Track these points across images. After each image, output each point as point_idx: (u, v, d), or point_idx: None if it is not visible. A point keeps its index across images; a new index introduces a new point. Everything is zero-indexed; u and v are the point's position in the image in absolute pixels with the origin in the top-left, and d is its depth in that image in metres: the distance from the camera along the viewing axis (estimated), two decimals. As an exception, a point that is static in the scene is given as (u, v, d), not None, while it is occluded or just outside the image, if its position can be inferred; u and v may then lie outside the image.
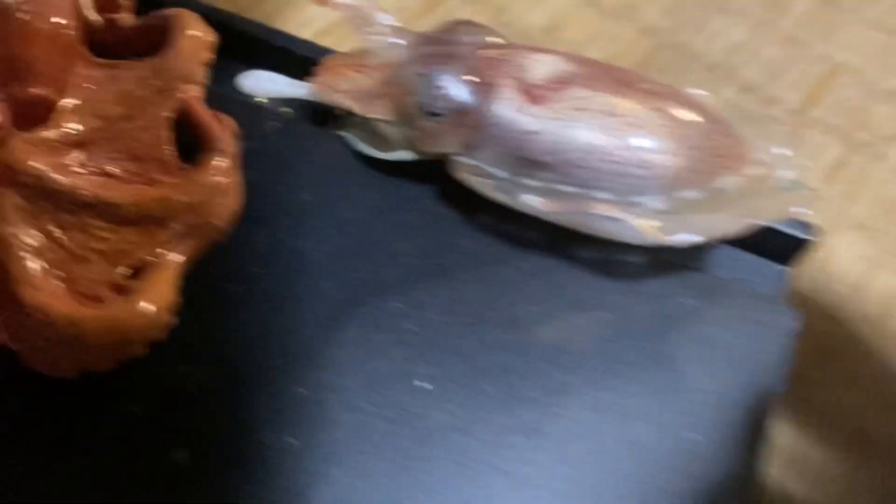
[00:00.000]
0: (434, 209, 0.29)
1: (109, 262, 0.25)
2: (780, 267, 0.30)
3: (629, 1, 0.44)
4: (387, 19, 0.29)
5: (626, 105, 0.27)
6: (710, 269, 0.30)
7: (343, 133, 0.30)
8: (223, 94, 0.30)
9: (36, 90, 0.24)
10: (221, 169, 0.27)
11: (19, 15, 0.23)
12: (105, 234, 0.26)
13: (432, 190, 0.29)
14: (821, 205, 0.36)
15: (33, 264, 0.24)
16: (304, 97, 0.30)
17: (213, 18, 0.32)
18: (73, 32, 0.25)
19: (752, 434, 0.26)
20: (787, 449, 0.31)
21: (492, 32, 0.29)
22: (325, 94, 0.29)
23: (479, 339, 0.27)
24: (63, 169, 0.26)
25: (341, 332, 0.26)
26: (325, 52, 0.32)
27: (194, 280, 0.25)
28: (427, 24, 0.40)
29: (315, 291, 0.27)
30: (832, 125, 0.41)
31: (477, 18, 0.41)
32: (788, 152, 0.28)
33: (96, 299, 0.24)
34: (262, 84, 0.30)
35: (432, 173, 0.29)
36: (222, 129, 0.28)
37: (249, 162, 0.29)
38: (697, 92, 0.30)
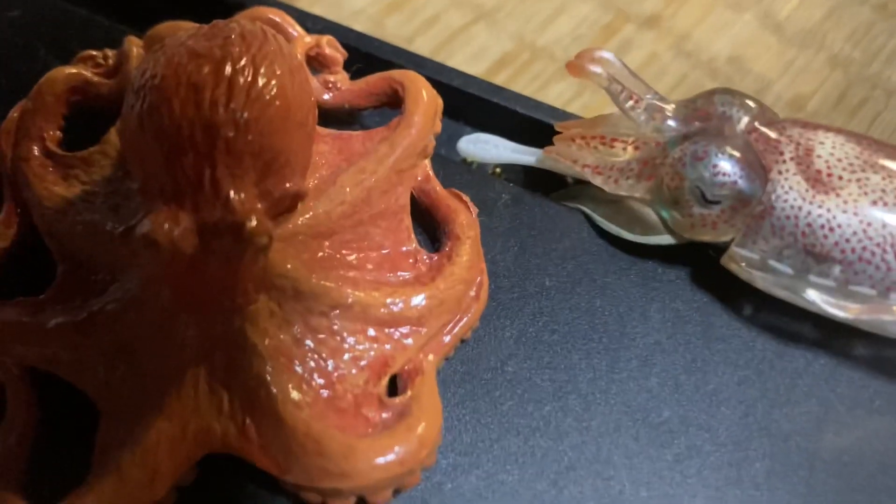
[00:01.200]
0: (693, 297, 0.26)
1: (366, 370, 0.23)
2: None
3: (813, 28, 0.41)
4: (649, 90, 0.25)
5: None
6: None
7: (583, 208, 0.27)
8: (439, 156, 0.27)
9: (293, 185, 0.21)
10: (474, 260, 0.25)
11: (278, 103, 0.20)
12: (359, 339, 0.23)
13: (690, 274, 0.26)
14: None
15: (296, 388, 0.21)
16: (533, 165, 0.27)
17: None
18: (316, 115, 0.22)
19: None
20: None
21: (754, 101, 0.26)
22: (562, 165, 0.26)
23: (744, 446, 0.24)
24: (316, 267, 0.23)
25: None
26: (555, 113, 0.29)
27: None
28: (608, 48, 0.37)
29: (562, 385, 0.24)
30: None
31: (658, 46, 0.38)
32: None
33: (361, 418, 0.22)
34: (487, 149, 0.28)
35: (689, 255, 0.26)
36: (467, 213, 0.25)
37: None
38: None
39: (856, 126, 0.38)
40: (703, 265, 0.26)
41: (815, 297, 0.24)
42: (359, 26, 0.38)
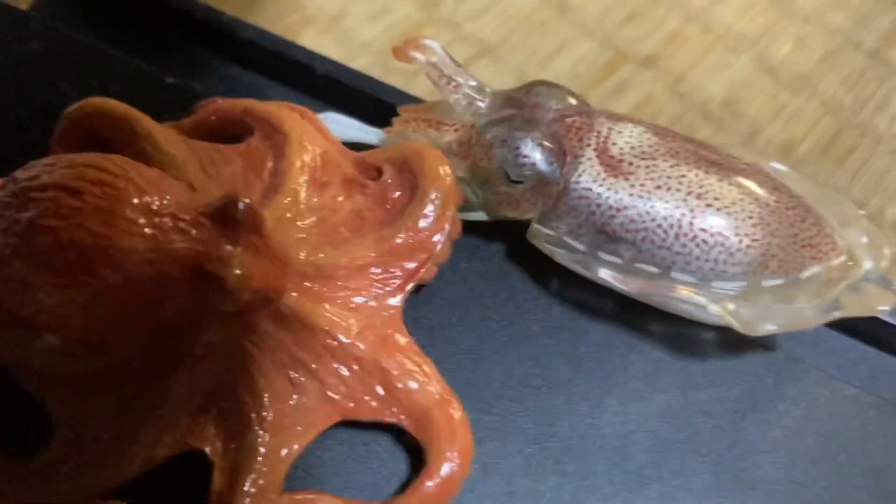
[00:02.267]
0: (505, 269, 0.28)
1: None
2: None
3: (807, 72, 0.42)
4: (469, 78, 0.27)
5: (713, 185, 0.26)
6: (788, 347, 0.29)
7: None
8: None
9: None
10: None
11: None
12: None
13: (504, 249, 0.28)
14: None
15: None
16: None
17: (289, 56, 0.33)
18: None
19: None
20: None
21: (572, 95, 0.28)
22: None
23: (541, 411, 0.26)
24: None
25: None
26: (404, 97, 0.31)
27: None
28: (602, 91, 0.38)
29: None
30: None
31: (654, 87, 0.39)
32: (874, 241, 0.27)
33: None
34: (334, 126, 0.29)
35: (505, 232, 0.28)
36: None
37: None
38: (781, 168, 0.29)
39: (843, 174, 0.39)
40: (512, 238, 0.28)
41: (605, 274, 0.27)
42: (366, 59, 0.39)
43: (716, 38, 0.43)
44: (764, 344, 0.28)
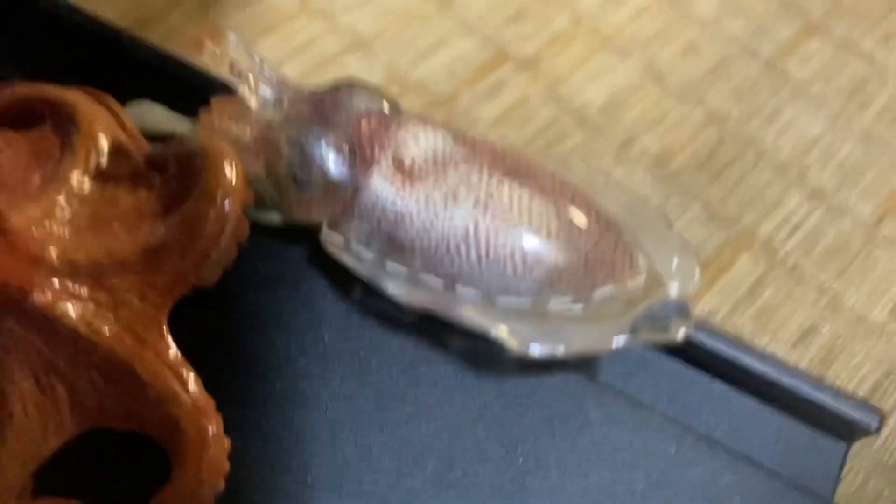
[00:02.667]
0: (303, 275, 0.27)
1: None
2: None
3: (698, 78, 0.41)
4: (271, 74, 0.26)
5: (503, 196, 0.25)
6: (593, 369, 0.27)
7: None
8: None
9: None
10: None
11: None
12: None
13: (305, 253, 0.27)
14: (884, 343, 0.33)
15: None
16: (185, 134, 0.28)
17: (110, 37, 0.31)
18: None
19: None
20: None
21: (380, 97, 0.27)
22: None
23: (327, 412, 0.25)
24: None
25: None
26: (223, 88, 0.29)
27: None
28: (476, 92, 0.37)
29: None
30: (905, 246, 0.38)
31: (531, 89, 0.38)
32: (685, 264, 0.26)
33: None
34: (144, 115, 0.28)
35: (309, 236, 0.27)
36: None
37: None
38: (608, 176, 0.28)
39: (718, 187, 0.38)
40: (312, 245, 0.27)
41: (392, 286, 0.25)
42: (230, 46, 0.38)
43: (603, 40, 0.41)
44: (566, 364, 0.26)
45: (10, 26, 0.32)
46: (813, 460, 0.27)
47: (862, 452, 0.32)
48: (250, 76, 0.26)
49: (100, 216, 0.25)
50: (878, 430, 0.27)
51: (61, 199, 0.25)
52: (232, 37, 0.26)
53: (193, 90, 0.30)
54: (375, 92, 0.27)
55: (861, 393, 0.33)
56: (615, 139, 0.38)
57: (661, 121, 0.39)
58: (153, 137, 0.28)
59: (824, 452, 0.27)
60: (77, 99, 0.27)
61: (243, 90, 0.26)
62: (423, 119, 0.27)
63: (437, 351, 0.26)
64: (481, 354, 0.26)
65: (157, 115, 0.28)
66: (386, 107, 0.27)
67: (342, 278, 0.27)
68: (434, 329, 0.26)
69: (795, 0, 0.44)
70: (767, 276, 0.35)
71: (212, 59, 0.26)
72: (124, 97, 0.28)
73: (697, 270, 0.26)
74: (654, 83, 0.40)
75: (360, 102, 0.26)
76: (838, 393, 0.26)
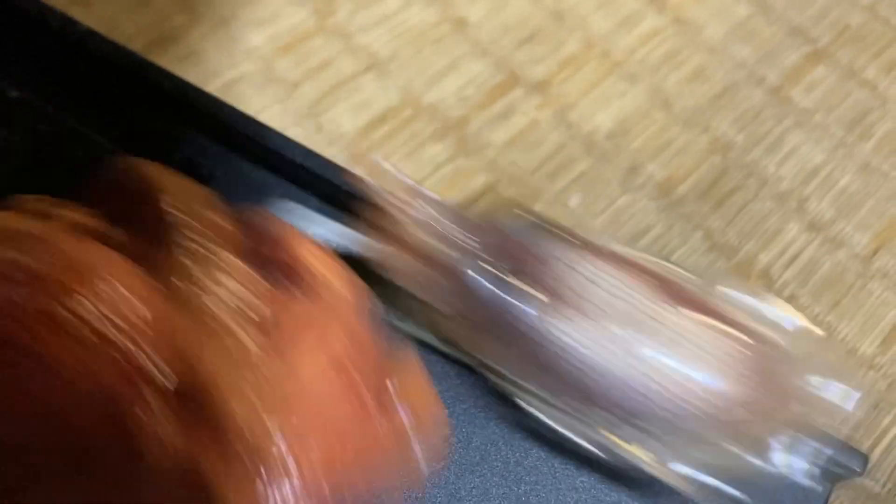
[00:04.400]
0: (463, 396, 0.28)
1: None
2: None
3: (704, 105, 0.42)
4: (427, 196, 0.27)
5: (681, 327, 0.25)
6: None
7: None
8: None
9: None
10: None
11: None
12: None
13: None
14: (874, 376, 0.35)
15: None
16: (354, 250, 0.29)
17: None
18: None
19: None
20: None
21: (541, 222, 0.28)
22: (387, 260, 0.28)
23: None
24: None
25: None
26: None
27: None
28: (486, 116, 0.38)
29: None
30: (898, 279, 0.39)
31: (540, 114, 0.39)
32: (848, 391, 0.27)
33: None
34: (340, 239, 0.29)
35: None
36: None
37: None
38: (766, 308, 0.28)
39: (720, 216, 0.39)
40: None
41: (528, 403, 0.26)
42: (250, 66, 0.39)
43: (613, 64, 0.42)
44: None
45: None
46: (798, 499, 0.29)
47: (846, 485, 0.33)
48: (401, 197, 0.27)
49: None
50: (862, 473, 0.28)
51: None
52: (389, 167, 0.27)
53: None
54: (535, 216, 0.27)
55: (850, 423, 0.35)
56: (621, 166, 0.39)
57: (666, 147, 0.40)
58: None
59: (809, 494, 0.28)
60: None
61: (401, 218, 0.27)
62: (586, 241, 0.27)
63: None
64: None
65: (346, 239, 0.29)
66: (545, 235, 0.27)
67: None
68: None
69: (803, 27, 0.44)
70: (764, 308, 0.36)
71: (371, 189, 0.27)
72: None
73: (856, 397, 0.26)
74: (661, 109, 0.41)
75: (524, 231, 0.27)
76: (823, 436, 0.28)
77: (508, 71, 0.41)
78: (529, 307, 0.26)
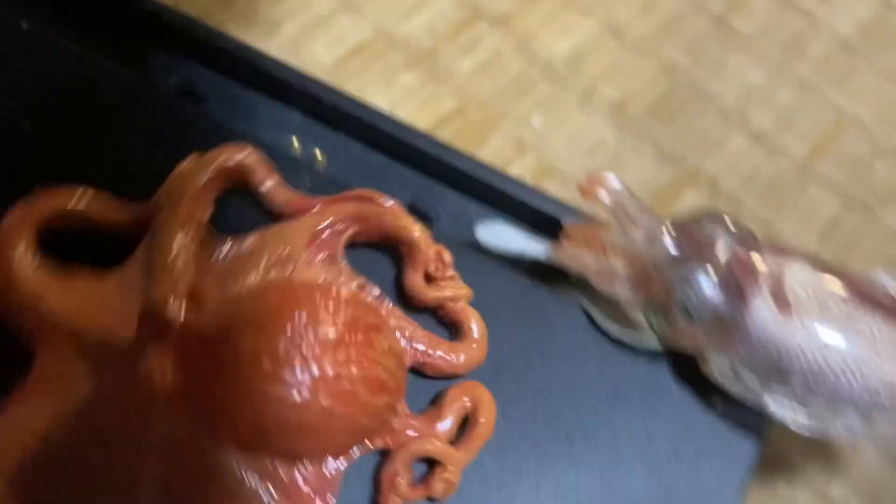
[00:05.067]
0: (672, 393, 0.30)
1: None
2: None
3: (653, 34, 0.45)
4: (645, 211, 0.29)
5: (882, 326, 0.28)
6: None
7: (585, 304, 0.31)
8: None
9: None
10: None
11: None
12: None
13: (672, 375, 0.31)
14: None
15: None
16: (542, 258, 0.31)
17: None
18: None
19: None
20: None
21: (738, 226, 0.30)
22: (572, 263, 0.30)
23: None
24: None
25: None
26: (562, 208, 0.33)
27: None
28: (453, 48, 0.41)
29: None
30: (833, 181, 0.43)
31: (504, 45, 0.42)
32: None
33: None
34: (501, 238, 0.31)
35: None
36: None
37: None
38: None
39: (669, 131, 0.43)
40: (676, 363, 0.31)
41: (774, 405, 0.29)
42: (235, 9, 0.42)
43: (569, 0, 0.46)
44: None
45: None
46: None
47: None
48: (635, 217, 0.29)
49: None
50: None
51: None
52: (616, 181, 0.29)
53: (537, 215, 0.33)
54: (733, 221, 0.30)
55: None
56: (578, 89, 0.43)
57: (618, 72, 0.44)
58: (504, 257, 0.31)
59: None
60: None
61: (627, 228, 0.29)
62: (781, 247, 0.30)
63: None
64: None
65: (511, 238, 0.31)
66: (746, 236, 0.30)
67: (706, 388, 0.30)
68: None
69: (742, -39, 0.48)
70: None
71: (601, 205, 0.29)
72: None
73: None
74: (613, 38, 0.45)
75: (723, 230, 0.29)
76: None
77: (472, 7, 0.44)
78: (758, 310, 0.28)
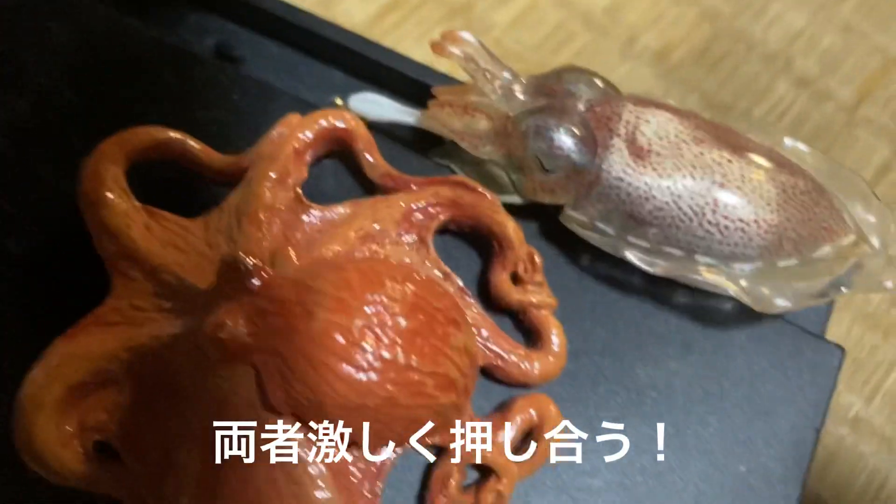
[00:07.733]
0: (538, 246, 0.29)
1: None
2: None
3: (691, -20, 0.44)
4: (503, 68, 0.29)
5: (734, 171, 0.28)
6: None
7: (451, 165, 0.31)
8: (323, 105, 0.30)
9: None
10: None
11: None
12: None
13: (537, 229, 0.30)
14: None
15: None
16: (411, 124, 0.30)
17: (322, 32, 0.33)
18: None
19: (797, 464, 0.28)
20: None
21: (599, 79, 0.29)
22: (436, 127, 0.30)
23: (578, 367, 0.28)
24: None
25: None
26: (434, 75, 0.32)
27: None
28: (488, 1, 0.40)
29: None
30: (882, 125, 0.42)
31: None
32: (881, 219, 0.29)
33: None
34: (371, 106, 0.30)
35: (536, 212, 0.30)
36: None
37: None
38: (798, 146, 0.30)
39: (714, 78, 0.42)
40: (545, 218, 0.30)
41: (633, 256, 0.28)
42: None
43: (604, -53, 0.44)
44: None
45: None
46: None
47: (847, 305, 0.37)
48: (489, 72, 0.28)
49: None
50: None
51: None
52: (471, 37, 0.29)
53: (412, 82, 0.32)
54: (595, 75, 0.29)
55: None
56: (620, 38, 0.42)
57: (659, 19, 0.43)
58: (377, 127, 0.30)
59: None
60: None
61: (484, 86, 0.28)
62: (644, 100, 0.29)
63: (661, 308, 0.30)
64: (703, 309, 0.30)
65: (382, 107, 0.30)
66: (608, 91, 0.29)
67: (573, 248, 0.30)
68: (661, 290, 0.30)
69: None
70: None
71: (457, 60, 0.28)
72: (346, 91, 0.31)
73: (894, 225, 0.29)
74: (651, -15, 0.44)
75: (586, 87, 0.29)
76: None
77: (506, -42, 0.43)
78: (613, 160, 0.28)
